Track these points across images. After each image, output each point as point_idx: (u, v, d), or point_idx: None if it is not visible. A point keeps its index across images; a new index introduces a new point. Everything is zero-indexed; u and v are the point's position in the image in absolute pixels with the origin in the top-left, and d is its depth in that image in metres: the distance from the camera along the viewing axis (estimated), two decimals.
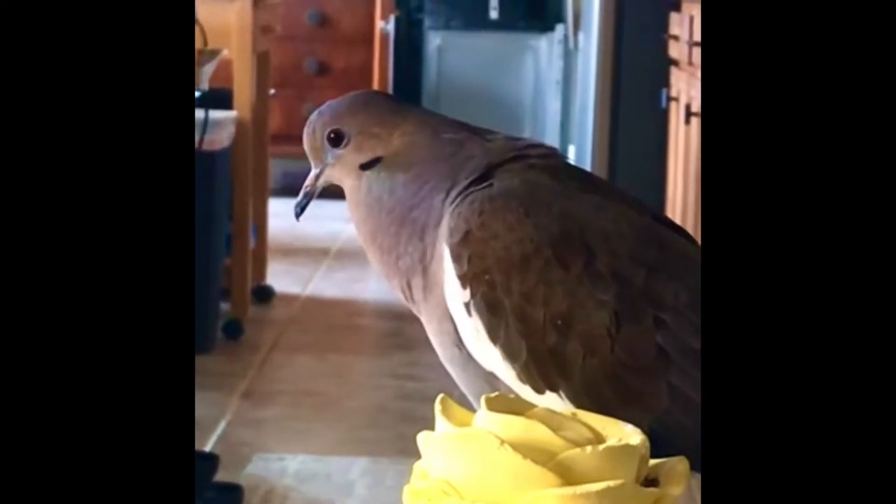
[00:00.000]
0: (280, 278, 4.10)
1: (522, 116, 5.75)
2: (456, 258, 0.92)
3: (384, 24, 5.61)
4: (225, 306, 3.59)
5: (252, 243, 3.79)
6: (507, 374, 0.91)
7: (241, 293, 3.65)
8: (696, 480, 0.84)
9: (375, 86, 5.35)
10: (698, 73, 3.07)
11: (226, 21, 3.51)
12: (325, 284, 4.19)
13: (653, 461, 0.81)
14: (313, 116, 0.99)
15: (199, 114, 3.20)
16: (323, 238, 4.69)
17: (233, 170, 3.56)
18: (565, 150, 4.69)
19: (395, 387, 3.20)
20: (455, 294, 0.92)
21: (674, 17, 3.52)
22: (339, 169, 0.98)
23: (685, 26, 3.27)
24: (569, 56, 5.32)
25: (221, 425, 2.89)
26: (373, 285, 4.11)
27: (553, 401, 0.90)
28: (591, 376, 0.90)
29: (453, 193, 0.94)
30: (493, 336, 0.91)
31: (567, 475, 0.76)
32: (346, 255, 4.50)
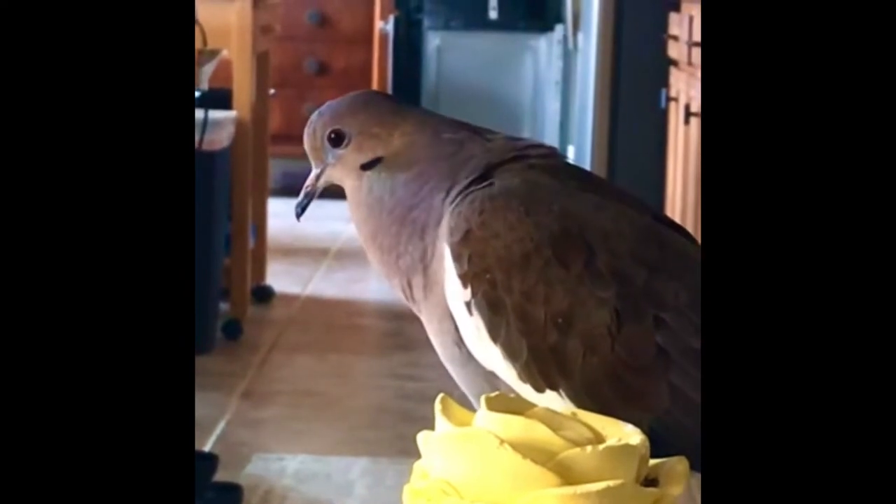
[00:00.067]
0: (280, 278, 4.10)
1: (522, 117, 5.74)
2: (456, 257, 0.92)
3: (384, 25, 5.61)
4: (224, 306, 3.58)
5: (252, 243, 3.79)
6: (507, 373, 0.91)
7: (241, 293, 3.65)
8: (696, 480, 0.84)
9: (375, 86, 5.35)
10: (698, 74, 3.07)
11: (226, 21, 3.51)
12: (325, 284, 4.19)
13: (653, 461, 0.81)
14: (313, 117, 0.99)
15: (199, 114, 3.20)
16: (323, 238, 4.69)
17: (232, 170, 3.55)
18: (565, 150, 4.69)
19: (395, 387, 3.20)
20: (456, 293, 0.92)
21: (673, 17, 3.52)
22: (340, 169, 0.98)
23: (685, 26, 3.27)
24: (568, 56, 5.32)
25: (221, 425, 2.89)
26: (373, 285, 4.11)
27: (553, 400, 0.90)
28: (592, 375, 0.90)
29: (453, 193, 0.94)
30: (494, 335, 0.91)
31: (567, 475, 0.76)
32: (346, 255, 4.50)
